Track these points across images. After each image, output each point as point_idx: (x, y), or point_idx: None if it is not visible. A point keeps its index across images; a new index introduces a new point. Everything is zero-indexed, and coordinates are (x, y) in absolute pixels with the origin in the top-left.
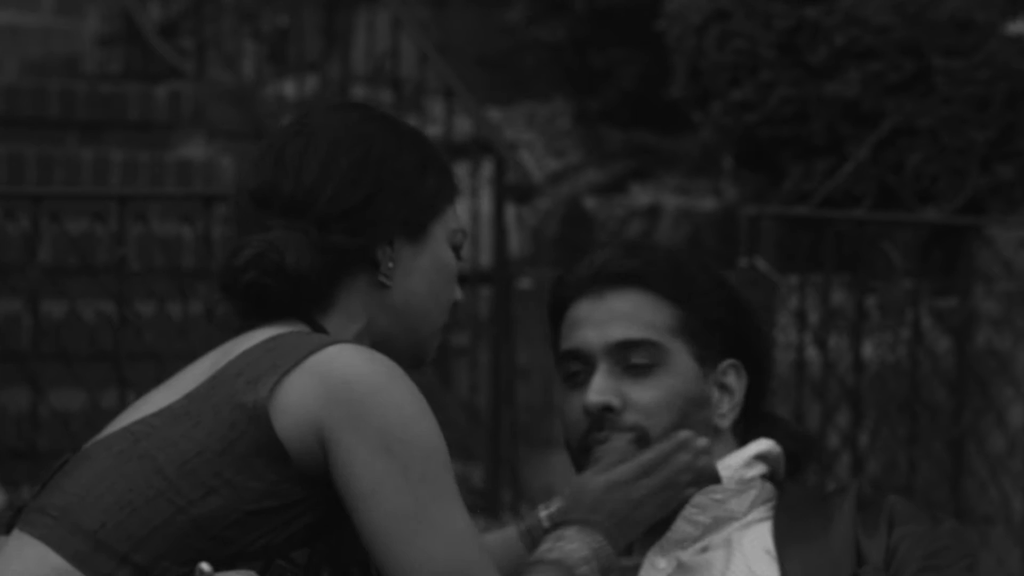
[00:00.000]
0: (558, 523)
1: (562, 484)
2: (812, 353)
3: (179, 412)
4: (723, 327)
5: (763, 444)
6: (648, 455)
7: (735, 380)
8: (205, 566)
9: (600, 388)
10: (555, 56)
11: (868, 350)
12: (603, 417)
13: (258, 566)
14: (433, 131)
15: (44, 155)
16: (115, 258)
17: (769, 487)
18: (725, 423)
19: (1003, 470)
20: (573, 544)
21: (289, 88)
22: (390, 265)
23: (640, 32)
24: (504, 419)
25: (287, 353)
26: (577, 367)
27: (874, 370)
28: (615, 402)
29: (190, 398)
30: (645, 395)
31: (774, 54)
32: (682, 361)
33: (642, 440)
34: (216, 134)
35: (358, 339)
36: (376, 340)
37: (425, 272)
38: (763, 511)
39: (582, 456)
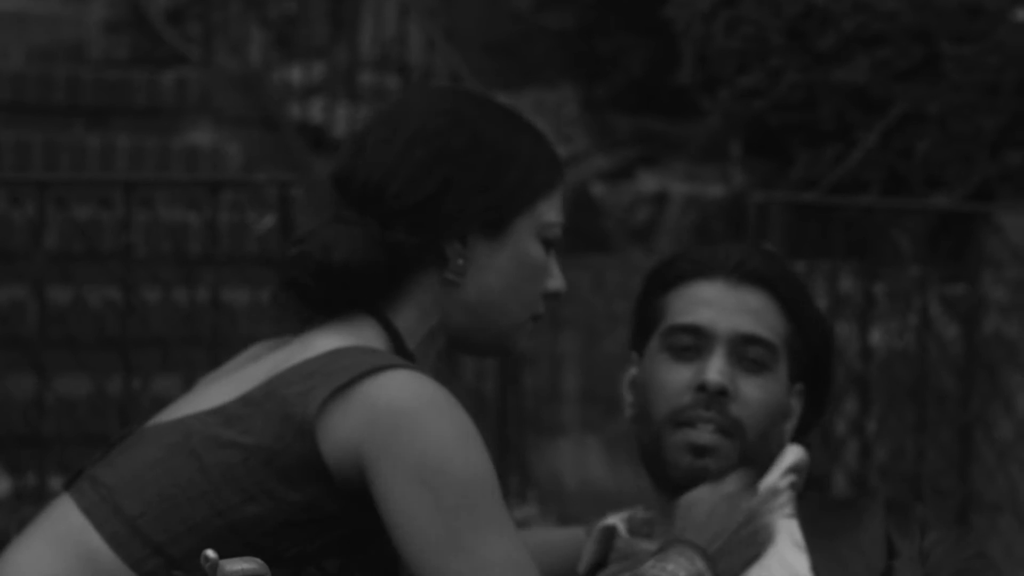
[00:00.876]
0: (665, 544)
1: (569, 470)
2: None
3: (232, 415)
4: (813, 351)
5: (797, 453)
6: (753, 501)
7: (797, 403)
8: (211, 553)
9: (721, 370)
10: (562, 42)
11: (876, 337)
12: (715, 399)
13: (288, 572)
14: None
15: (50, 141)
16: (121, 244)
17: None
18: (784, 440)
19: (1011, 457)
20: (671, 564)
21: (296, 74)
22: (460, 262)
23: (648, 18)
24: (511, 405)
25: (341, 372)
26: (690, 342)
27: (882, 357)
28: (731, 387)
29: (245, 401)
30: (755, 392)
31: (782, 40)
32: (782, 371)
33: (739, 436)
34: (223, 120)
35: (432, 335)
36: (453, 335)
37: (503, 268)
38: (787, 511)
39: (670, 428)
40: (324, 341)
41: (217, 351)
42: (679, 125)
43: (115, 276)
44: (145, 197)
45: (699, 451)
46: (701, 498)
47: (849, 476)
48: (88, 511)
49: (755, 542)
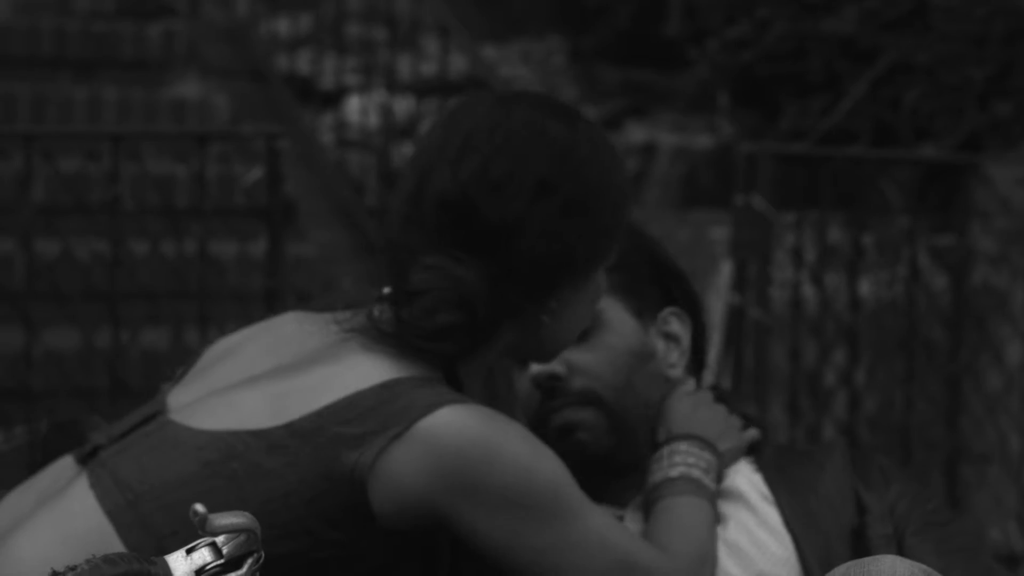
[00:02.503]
0: (664, 440)
1: None
2: (808, 291)
3: (277, 443)
4: (653, 279)
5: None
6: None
7: (680, 327)
8: (199, 507)
9: None
10: None
11: (865, 288)
12: (552, 387)
13: None
14: (428, 69)
15: (37, 94)
16: (109, 197)
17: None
18: (677, 372)
19: (1000, 408)
20: (691, 459)
21: (283, 26)
22: (555, 304)
23: None
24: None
25: (399, 413)
26: None
27: (871, 308)
28: (560, 370)
29: (292, 430)
30: (586, 357)
31: None
32: (618, 318)
33: (595, 402)
34: (210, 72)
35: (484, 357)
36: (511, 352)
37: (583, 303)
38: (745, 461)
39: (538, 428)
40: (373, 365)
41: (205, 303)
42: (667, 76)
43: (103, 229)
44: (132, 149)
45: (565, 431)
46: (680, 397)
47: (838, 427)
48: (112, 515)
49: (741, 433)
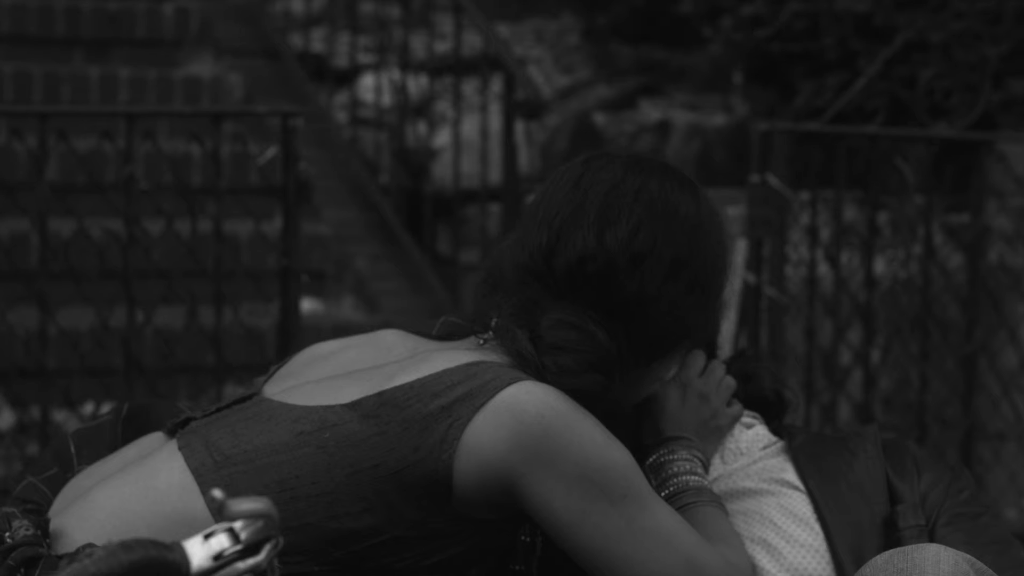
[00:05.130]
0: (657, 442)
1: None
2: (824, 270)
3: (369, 412)
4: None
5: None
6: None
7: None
8: (217, 493)
9: None
10: None
11: (880, 266)
12: None
13: None
14: (442, 47)
15: (51, 73)
16: (123, 176)
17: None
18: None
19: (1015, 386)
20: (687, 464)
21: (297, 4)
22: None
23: None
24: None
25: (484, 385)
26: None
27: (886, 286)
28: None
29: (383, 400)
30: None
31: None
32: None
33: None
34: (223, 51)
35: None
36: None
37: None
38: (772, 451)
39: None
40: (463, 354)
41: (220, 282)
42: (681, 54)
43: (117, 208)
44: (147, 128)
45: None
46: (669, 394)
47: (853, 406)
48: (197, 472)
49: (720, 430)
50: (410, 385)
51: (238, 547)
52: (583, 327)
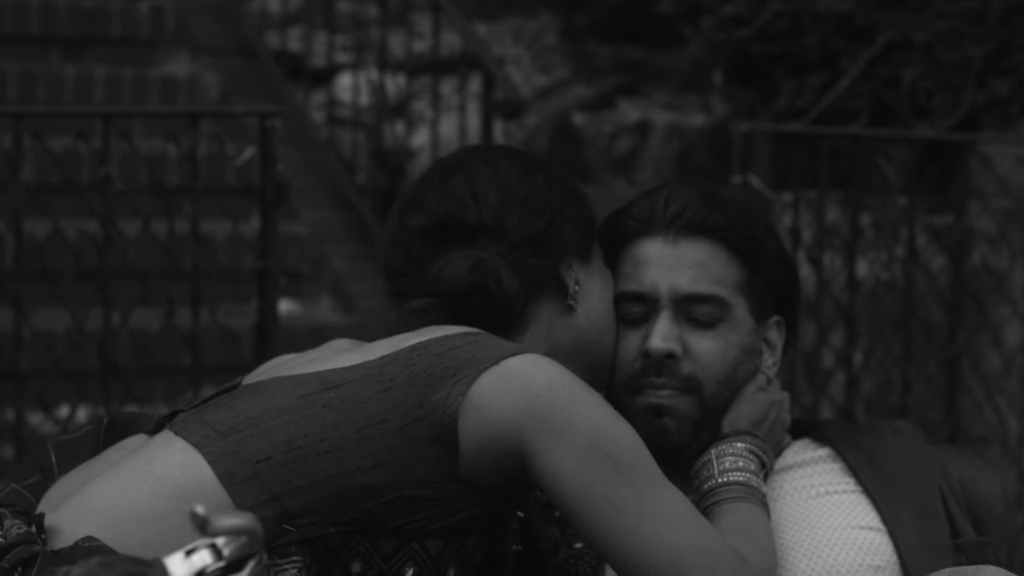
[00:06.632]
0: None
1: None
2: (806, 271)
3: (373, 371)
4: (777, 286)
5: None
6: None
7: (777, 335)
8: (200, 509)
9: (665, 335)
10: None
11: (863, 268)
12: (663, 363)
13: (394, 543)
14: (420, 46)
15: (25, 72)
16: (99, 176)
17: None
18: (772, 373)
19: (999, 389)
20: (741, 461)
21: (273, 3)
22: (576, 287)
23: None
24: None
25: (488, 351)
26: (638, 309)
27: (868, 288)
28: (677, 350)
29: (386, 360)
30: (707, 345)
31: None
32: (741, 316)
33: (695, 391)
34: (200, 50)
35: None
36: (555, 351)
37: (599, 292)
38: (808, 449)
39: (627, 394)
40: (450, 328)
41: (197, 283)
42: (660, 54)
43: (93, 208)
44: (122, 128)
45: (655, 411)
46: (745, 395)
47: (835, 409)
48: (201, 446)
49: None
50: (412, 347)
51: (221, 564)
52: (471, 255)
